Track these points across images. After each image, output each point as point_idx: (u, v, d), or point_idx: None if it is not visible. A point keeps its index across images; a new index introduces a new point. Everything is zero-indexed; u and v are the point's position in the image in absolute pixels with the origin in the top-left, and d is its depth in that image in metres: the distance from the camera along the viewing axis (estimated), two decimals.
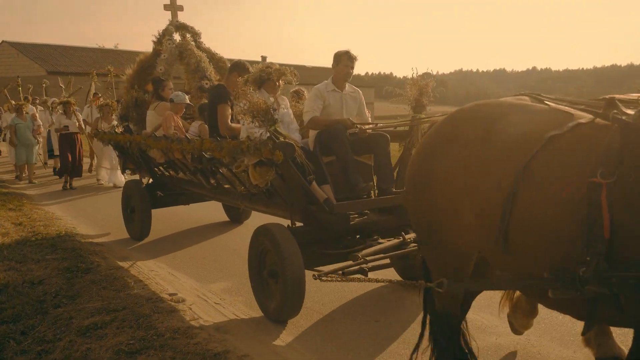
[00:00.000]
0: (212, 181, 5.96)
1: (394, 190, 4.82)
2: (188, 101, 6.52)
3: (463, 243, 2.60)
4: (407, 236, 4.47)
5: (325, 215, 4.53)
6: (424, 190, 2.73)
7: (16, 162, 13.11)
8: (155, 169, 7.29)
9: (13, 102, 14.68)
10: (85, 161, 13.27)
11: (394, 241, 4.43)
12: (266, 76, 4.92)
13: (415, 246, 4.28)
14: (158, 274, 5.79)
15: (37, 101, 16.75)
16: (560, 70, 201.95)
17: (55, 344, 4.07)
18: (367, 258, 4.14)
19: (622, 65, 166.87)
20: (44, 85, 16.80)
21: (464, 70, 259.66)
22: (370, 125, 5.16)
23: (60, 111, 12.34)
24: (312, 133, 5.09)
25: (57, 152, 13.14)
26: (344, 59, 4.99)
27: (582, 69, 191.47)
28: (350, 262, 4.13)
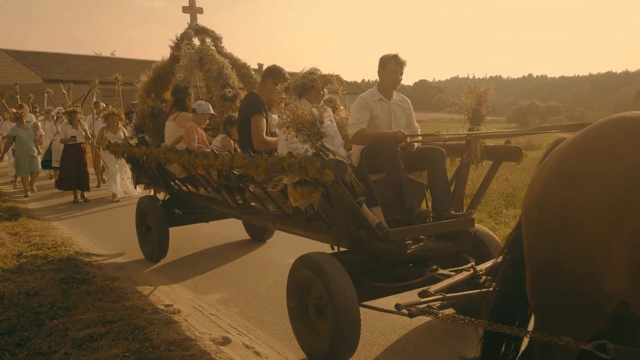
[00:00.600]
0: (239, 199, 5.41)
1: (453, 212, 4.25)
2: (212, 111, 5.95)
3: (608, 286, 2.04)
4: (478, 267, 3.88)
5: (379, 243, 3.96)
6: (563, 227, 2.16)
7: (17, 174, 12.37)
8: (173, 184, 6.74)
9: (13, 110, 13.98)
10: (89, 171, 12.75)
11: (465, 274, 3.84)
12: (310, 83, 4.35)
13: (488, 278, 3.70)
14: (154, 285, 5.75)
15: (38, 110, 16.05)
16: (556, 77, 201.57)
17: (51, 356, 4.07)
18: (446, 295, 3.54)
19: (618, 72, 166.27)
20: (46, 94, 16.17)
21: (460, 77, 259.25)
22: (420, 138, 4.62)
23: (66, 120, 11.79)
24: (357, 148, 4.53)
25: (55, 164, 12.44)
26: (391, 64, 4.44)
27: (578, 75, 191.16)
28: (433, 297, 3.53)
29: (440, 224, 4.13)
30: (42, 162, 12.81)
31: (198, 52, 6.80)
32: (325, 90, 4.47)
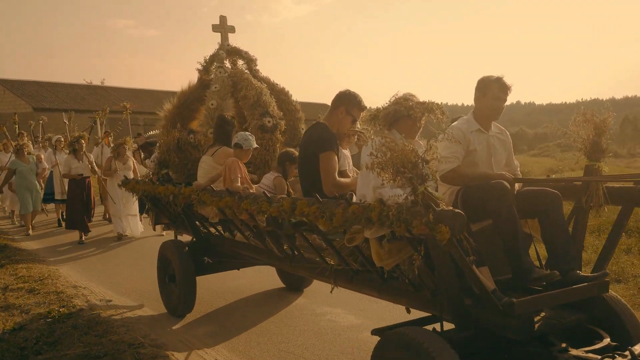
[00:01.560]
0: (287, 248, 4.53)
1: (579, 273, 3.35)
2: (255, 144, 5.04)
3: None
4: (634, 349, 2.96)
5: (496, 316, 3.04)
6: None
7: (21, 212, 11.27)
8: (201, 226, 5.85)
9: (13, 143, 12.86)
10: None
11: None
12: (405, 111, 3.47)
13: None
14: (140, 318, 5.70)
15: (40, 139, 14.94)
16: (544, 104, 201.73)
17: None
18: None
19: (604, 99, 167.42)
20: (41, 122, 15.31)
21: (449, 104, 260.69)
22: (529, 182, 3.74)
23: (67, 151, 10.86)
24: (447, 188, 3.66)
25: (59, 196, 11.57)
26: (493, 89, 3.61)
27: (565, 102, 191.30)
28: None
29: (572, 291, 3.22)
30: (44, 195, 11.94)
31: (231, 76, 5.95)
32: (423, 120, 3.60)
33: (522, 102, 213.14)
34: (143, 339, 4.96)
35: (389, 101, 3.58)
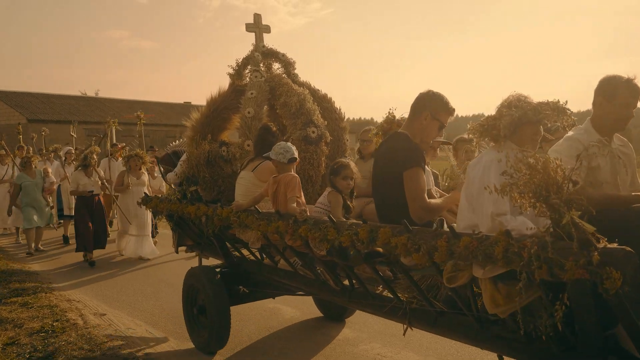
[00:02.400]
0: (344, 279, 3.85)
1: None
2: (297, 156, 4.31)
3: None
4: None
5: None
6: None
7: (24, 226, 10.17)
8: (231, 248, 5.17)
9: (11, 155, 12.03)
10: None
11: None
12: (533, 116, 2.78)
13: None
14: (135, 332, 5.62)
15: (43, 151, 13.86)
16: None
17: None
18: None
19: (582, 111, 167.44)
20: (43, 133, 14.47)
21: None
22: None
23: (75, 164, 10.18)
24: None
25: (67, 212, 10.93)
26: (623, 93, 2.95)
27: None
28: None
29: None
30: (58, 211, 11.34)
31: (269, 80, 5.27)
32: (541, 127, 2.91)
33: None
34: (137, 353, 4.90)
35: (501, 105, 2.88)
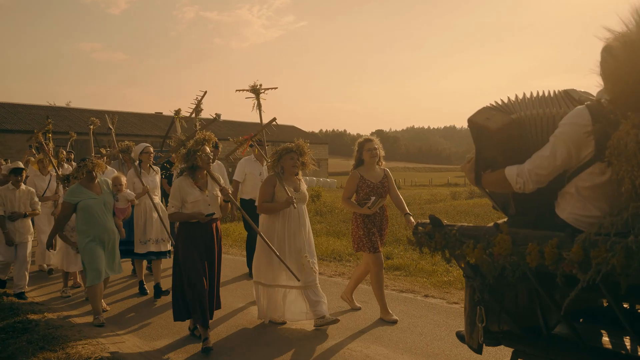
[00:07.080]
0: None
1: None
2: None
3: None
4: None
5: None
6: None
7: (87, 281, 5.81)
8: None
9: (54, 161, 8.28)
10: None
11: None
12: None
13: None
14: (99, 332, 5.46)
15: (72, 157, 10.43)
16: None
17: None
18: None
19: None
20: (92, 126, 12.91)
21: (415, 127, 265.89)
22: None
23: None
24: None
25: (139, 249, 7.03)
26: None
27: None
28: None
29: None
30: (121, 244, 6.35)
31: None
32: None
33: None
34: (102, 353, 4.79)
35: None
